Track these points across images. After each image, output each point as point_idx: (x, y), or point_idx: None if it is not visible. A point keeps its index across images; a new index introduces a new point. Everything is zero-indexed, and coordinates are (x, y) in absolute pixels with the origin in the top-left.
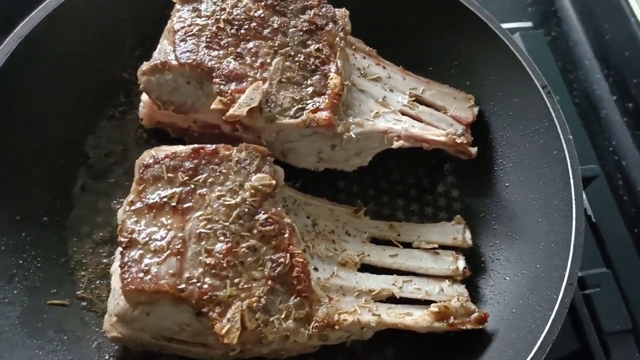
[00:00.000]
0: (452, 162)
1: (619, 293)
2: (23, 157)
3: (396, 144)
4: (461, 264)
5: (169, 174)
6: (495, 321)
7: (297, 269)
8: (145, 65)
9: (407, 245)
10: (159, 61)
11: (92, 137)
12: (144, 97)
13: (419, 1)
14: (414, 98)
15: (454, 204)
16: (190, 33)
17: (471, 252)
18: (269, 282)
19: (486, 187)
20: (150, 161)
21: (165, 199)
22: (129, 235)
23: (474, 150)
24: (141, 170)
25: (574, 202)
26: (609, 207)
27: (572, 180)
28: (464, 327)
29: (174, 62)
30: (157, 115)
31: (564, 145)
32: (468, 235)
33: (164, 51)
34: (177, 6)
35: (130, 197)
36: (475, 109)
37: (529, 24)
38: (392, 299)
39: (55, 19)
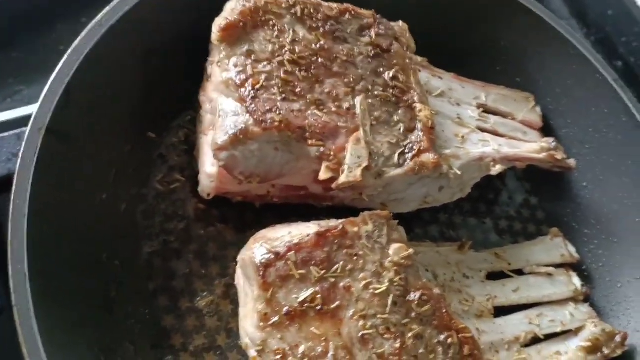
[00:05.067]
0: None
1: None
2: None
3: (495, 170)
4: (577, 281)
5: (300, 271)
6: (630, 335)
7: (468, 346)
8: (220, 138)
9: (518, 272)
10: (236, 130)
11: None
12: (210, 169)
13: None
14: (481, 109)
15: (537, 212)
16: (258, 85)
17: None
18: None
19: (562, 189)
20: (271, 257)
21: (307, 304)
22: None
23: (573, 162)
24: (262, 272)
25: None
26: None
27: None
28: (616, 355)
29: (257, 129)
30: (229, 186)
31: None
32: (572, 248)
33: (233, 112)
34: (224, 50)
35: (259, 307)
36: (538, 109)
37: None
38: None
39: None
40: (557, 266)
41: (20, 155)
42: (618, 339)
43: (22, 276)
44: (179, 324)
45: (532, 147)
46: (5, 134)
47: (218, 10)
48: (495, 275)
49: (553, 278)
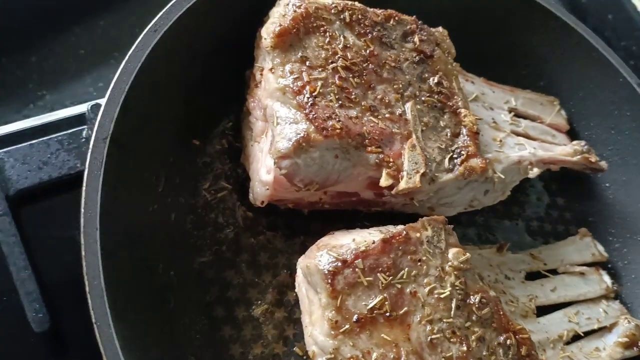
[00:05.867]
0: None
1: None
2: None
3: (532, 174)
4: (607, 279)
5: (368, 278)
6: None
7: (526, 346)
8: (283, 146)
9: (551, 271)
10: (298, 137)
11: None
12: (266, 177)
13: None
14: (512, 113)
15: (565, 213)
16: (315, 92)
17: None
18: None
19: (587, 189)
20: (338, 265)
21: (376, 310)
22: None
23: (604, 164)
24: (330, 280)
25: None
26: None
27: None
28: None
29: (318, 136)
30: (284, 194)
31: None
32: (601, 247)
33: (292, 120)
34: (278, 57)
35: (329, 314)
36: (563, 112)
37: None
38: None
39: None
40: (588, 265)
41: (87, 167)
42: None
43: (99, 292)
44: (237, 334)
45: (566, 150)
46: (34, 141)
47: (258, 16)
48: (530, 276)
49: (586, 277)
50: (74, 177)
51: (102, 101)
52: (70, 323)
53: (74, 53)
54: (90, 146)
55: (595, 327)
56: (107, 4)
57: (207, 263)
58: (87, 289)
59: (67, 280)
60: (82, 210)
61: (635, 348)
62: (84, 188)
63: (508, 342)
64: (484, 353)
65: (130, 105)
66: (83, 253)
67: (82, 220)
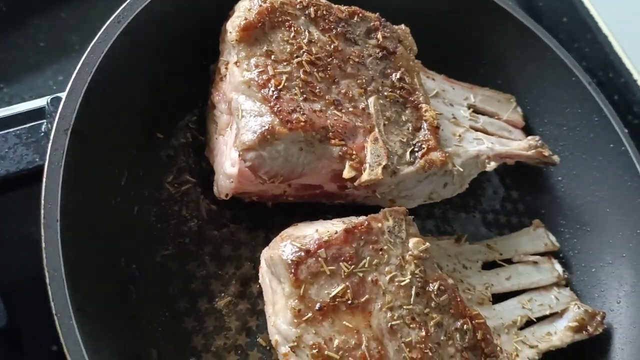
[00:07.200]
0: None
1: None
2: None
3: (489, 167)
4: (559, 268)
5: (330, 267)
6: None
7: (481, 331)
8: (247, 138)
9: (506, 260)
10: (263, 130)
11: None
12: (230, 170)
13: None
14: (471, 109)
15: (518, 205)
16: (280, 86)
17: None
18: (464, 355)
19: (539, 183)
20: (301, 255)
21: (339, 299)
22: (321, 355)
23: (557, 158)
24: (293, 270)
25: None
26: None
27: None
28: (598, 332)
29: (283, 129)
30: (248, 187)
31: (623, 139)
32: (552, 237)
33: (256, 113)
34: (243, 50)
35: (292, 303)
36: (519, 109)
37: None
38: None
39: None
40: (541, 254)
41: (48, 158)
42: (598, 318)
43: (60, 283)
44: (199, 326)
45: (521, 144)
46: None
47: (224, 10)
48: (487, 265)
49: (538, 266)
50: (33, 172)
51: (63, 94)
52: (28, 320)
53: (33, 45)
54: (51, 137)
55: (547, 312)
56: None
57: (170, 256)
58: (47, 280)
59: (25, 276)
60: (42, 202)
61: (584, 332)
62: (44, 180)
63: (465, 327)
64: (442, 338)
65: (93, 97)
66: (43, 245)
67: (42, 211)
